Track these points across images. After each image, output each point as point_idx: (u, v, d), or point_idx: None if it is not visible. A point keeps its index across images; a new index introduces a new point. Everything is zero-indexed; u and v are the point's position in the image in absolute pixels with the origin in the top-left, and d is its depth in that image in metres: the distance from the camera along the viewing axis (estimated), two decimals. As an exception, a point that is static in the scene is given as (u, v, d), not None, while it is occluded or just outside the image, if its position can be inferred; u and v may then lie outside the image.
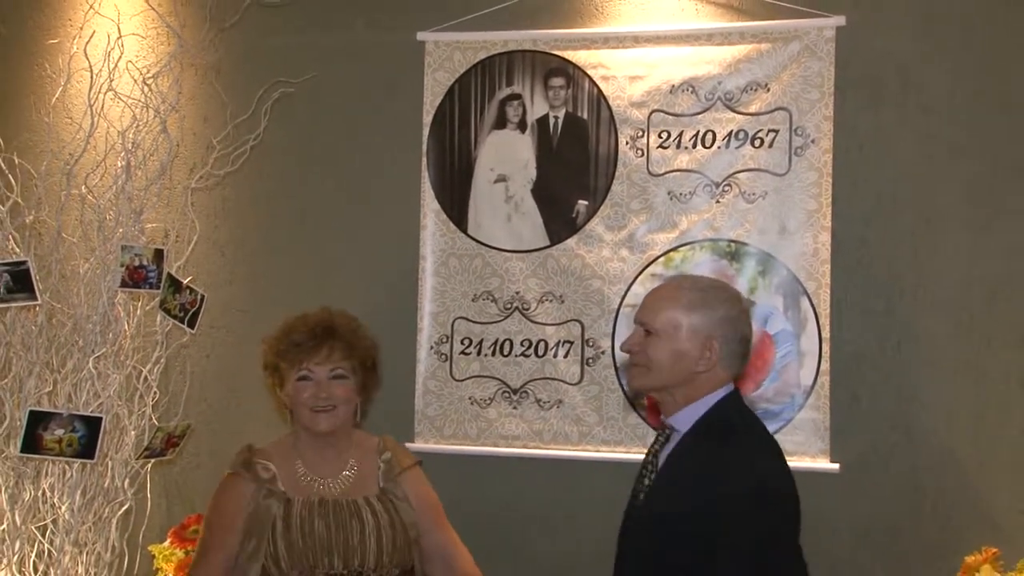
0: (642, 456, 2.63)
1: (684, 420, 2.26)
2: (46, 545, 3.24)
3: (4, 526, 3.21)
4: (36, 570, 3.24)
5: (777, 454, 2.24)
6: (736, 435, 2.25)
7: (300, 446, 2.58)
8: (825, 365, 3.25)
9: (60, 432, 3.11)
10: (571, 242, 3.49)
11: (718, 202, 3.37)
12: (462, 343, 3.54)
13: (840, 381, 3.26)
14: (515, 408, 3.49)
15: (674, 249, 3.40)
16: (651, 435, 3.18)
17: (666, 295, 2.32)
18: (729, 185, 3.37)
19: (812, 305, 3.26)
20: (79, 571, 3.22)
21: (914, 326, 3.23)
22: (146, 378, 3.40)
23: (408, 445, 3.41)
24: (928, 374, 3.22)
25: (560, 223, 3.50)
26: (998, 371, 3.17)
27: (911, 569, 3.21)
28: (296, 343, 2.54)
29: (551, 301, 3.49)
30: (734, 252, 3.34)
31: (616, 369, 3.39)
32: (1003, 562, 2.92)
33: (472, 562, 2.67)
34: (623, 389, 3.38)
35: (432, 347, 3.56)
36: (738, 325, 2.28)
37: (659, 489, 2.27)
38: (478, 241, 3.56)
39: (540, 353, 3.49)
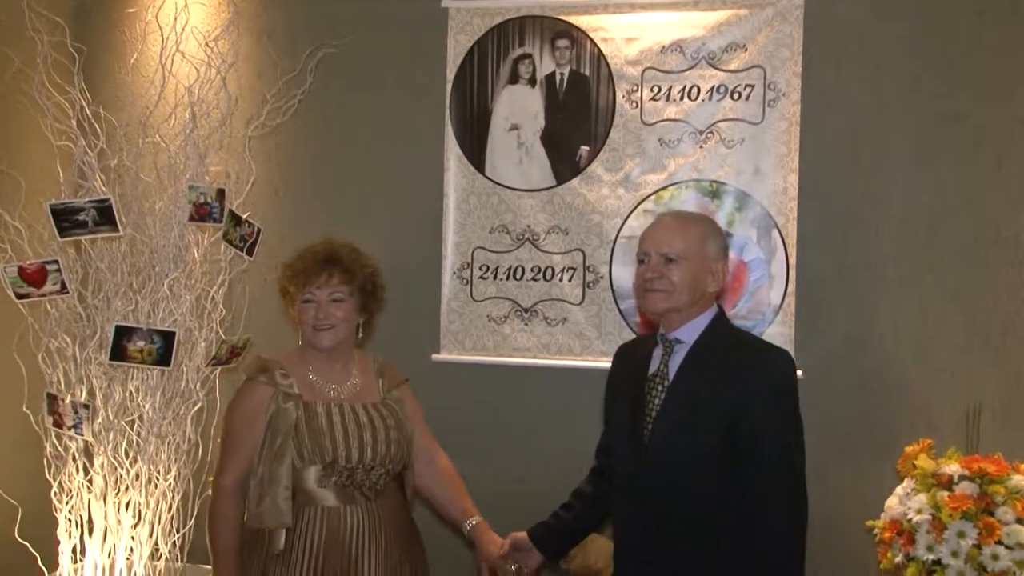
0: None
1: (689, 333, 2.44)
2: (134, 436, 3.50)
3: (100, 420, 3.48)
4: (127, 456, 3.48)
5: (782, 351, 2.49)
6: (749, 342, 2.50)
7: (308, 358, 2.72)
8: (792, 287, 3.52)
9: (141, 343, 3.31)
10: (574, 182, 3.72)
11: (701, 147, 3.61)
12: (480, 269, 3.80)
13: (804, 300, 3.52)
14: (526, 324, 3.77)
15: (663, 188, 3.64)
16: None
17: (679, 226, 2.44)
18: (711, 133, 3.61)
19: (781, 236, 3.53)
20: (162, 458, 3.53)
21: (867, 252, 3.49)
22: (213, 298, 3.62)
23: (434, 356, 3.76)
24: (877, 293, 3.47)
25: (565, 166, 3.73)
26: (936, 290, 3.44)
27: (861, 459, 3.48)
28: (301, 270, 2.69)
29: (557, 233, 3.75)
30: (715, 191, 3.59)
31: (613, 291, 3.68)
32: (935, 451, 3.15)
33: (448, 460, 2.88)
34: (619, 309, 3.68)
35: (455, 273, 3.82)
36: (728, 251, 2.52)
37: (682, 397, 2.40)
38: (494, 181, 3.79)
39: (548, 278, 3.75)
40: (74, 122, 3.56)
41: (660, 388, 2.45)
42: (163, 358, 3.38)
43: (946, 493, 3.02)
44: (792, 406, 2.40)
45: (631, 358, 2.63)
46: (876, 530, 3.16)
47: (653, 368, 2.49)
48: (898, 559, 3.05)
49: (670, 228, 2.45)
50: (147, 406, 3.54)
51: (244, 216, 3.61)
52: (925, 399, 3.46)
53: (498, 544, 2.77)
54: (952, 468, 3.07)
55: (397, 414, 2.75)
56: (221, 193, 3.52)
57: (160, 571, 3.60)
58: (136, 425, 3.55)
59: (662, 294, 2.41)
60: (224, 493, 2.62)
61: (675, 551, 2.41)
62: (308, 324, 2.70)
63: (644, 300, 2.49)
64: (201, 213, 3.48)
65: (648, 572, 2.46)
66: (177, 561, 3.65)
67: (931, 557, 2.96)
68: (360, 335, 2.81)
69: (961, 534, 2.95)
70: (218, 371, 3.67)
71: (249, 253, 3.63)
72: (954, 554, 2.94)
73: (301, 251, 2.76)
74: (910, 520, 3.03)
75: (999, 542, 2.92)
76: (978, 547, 2.92)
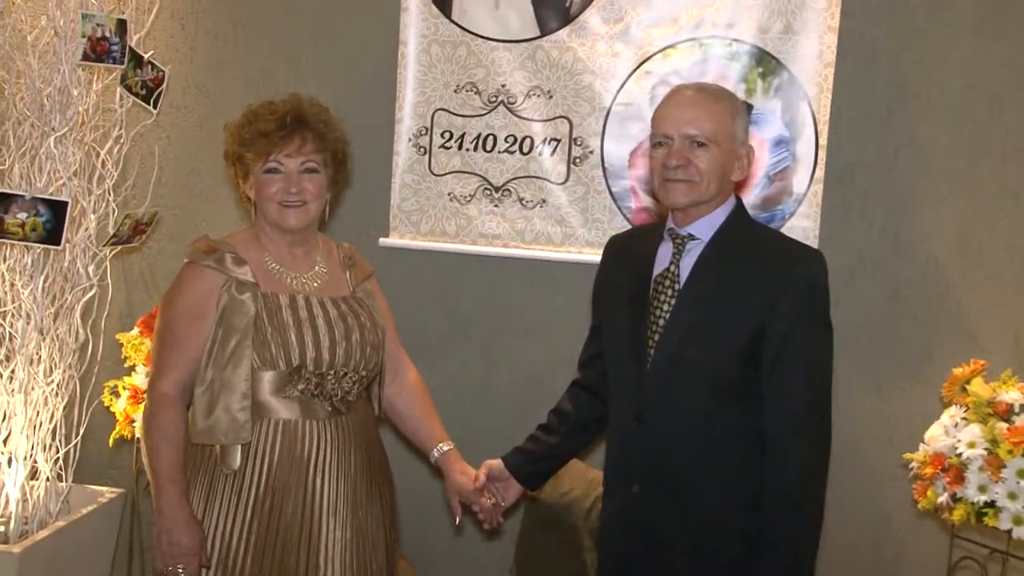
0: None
1: (704, 228, 2.24)
2: (7, 330, 3.05)
3: (-39, 309, 2.99)
4: (-2, 349, 3.07)
5: (815, 252, 2.29)
6: (776, 241, 2.31)
7: (265, 241, 2.42)
8: (820, 173, 3.16)
9: (23, 216, 2.86)
10: (562, 33, 3.30)
11: (721, -4, 3.17)
12: (442, 136, 3.38)
13: (833, 189, 3.17)
14: (496, 206, 3.37)
15: (672, 46, 3.22)
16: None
17: (706, 103, 2.21)
18: (734, -21, 3.17)
19: (812, 110, 3.13)
20: (43, 357, 3.05)
21: (913, 134, 3.12)
22: (104, 160, 3.14)
23: (382, 240, 3.39)
24: (922, 184, 3.12)
25: (552, 12, 3.30)
26: (993, 183, 3.08)
27: (891, 379, 3.18)
28: (263, 132, 2.35)
29: (539, 96, 3.32)
30: (735, 51, 3.16)
31: (604, 170, 3.27)
32: (986, 373, 2.83)
33: (418, 374, 2.65)
34: (610, 191, 3.28)
35: (411, 139, 3.39)
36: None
37: (696, 302, 2.22)
38: (463, 28, 3.35)
39: (525, 150, 3.34)
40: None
41: (670, 292, 2.25)
42: (51, 235, 2.92)
43: (1005, 425, 2.69)
44: (826, 321, 2.22)
45: (629, 254, 2.41)
46: (914, 464, 2.82)
47: (660, 268, 2.29)
48: (941, 499, 2.73)
49: (696, 105, 2.22)
50: (26, 293, 3.05)
51: (147, 56, 3.13)
52: (970, 311, 3.12)
53: (471, 476, 2.56)
54: (1013, 395, 2.73)
55: (370, 312, 2.49)
56: (122, 26, 3.00)
57: (39, 493, 3.17)
58: (10, 317, 3.09)
59: (686, 185, 2.20)
60: (164, 401, 2.30)
61: (676, 478, 2.24)
62: (272, 200, 2.37)
63: (664, 191, 2.25)
64: (98, 51, 2.99)
65: (642, 500, 2.27)
66: (60, 481, 3.23)
67: (983, 499, 2.65)
68: (326, 216, 2.50)
69: (1022, 473, 2.62)
70: (112, 252, 3.20)
71: (154, 105, 3.18)
72: (1012, 496, 2.63)
73: (256, 108, 2.40)
74: (959, 455, 2.70)
75: (1064, 483, 2.62)
76: (1040, 488, 2.62)
